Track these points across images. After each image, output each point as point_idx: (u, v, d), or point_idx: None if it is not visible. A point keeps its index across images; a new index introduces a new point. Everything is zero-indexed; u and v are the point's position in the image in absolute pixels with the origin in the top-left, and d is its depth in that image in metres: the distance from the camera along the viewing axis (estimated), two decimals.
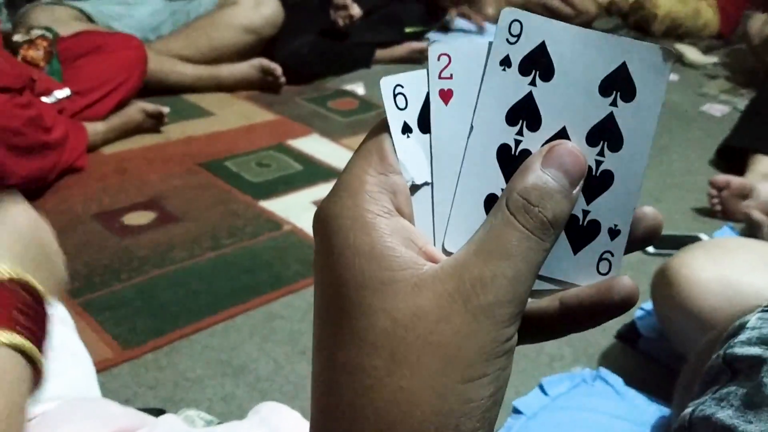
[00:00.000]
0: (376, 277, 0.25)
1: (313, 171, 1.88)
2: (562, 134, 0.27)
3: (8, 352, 0.45)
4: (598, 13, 3.58)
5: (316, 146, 2.04)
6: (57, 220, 1.56)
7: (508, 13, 0.27)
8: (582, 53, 0.26)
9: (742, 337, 0.54)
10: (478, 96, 0.27)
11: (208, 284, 1.38)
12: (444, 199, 0.27)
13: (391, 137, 0.27)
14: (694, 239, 1.55)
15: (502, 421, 1.02)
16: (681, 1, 3.46)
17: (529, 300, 0.26)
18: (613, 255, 0.27)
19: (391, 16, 2.86)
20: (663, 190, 1.91)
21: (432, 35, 3.03)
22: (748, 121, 2.06)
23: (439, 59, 0.27)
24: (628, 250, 0.28)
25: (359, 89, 2.51)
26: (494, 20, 3.37)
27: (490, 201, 0.27)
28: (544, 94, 0.27)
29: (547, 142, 0.27)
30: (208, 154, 1.94)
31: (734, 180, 1.72)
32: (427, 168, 0.27)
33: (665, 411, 1.02)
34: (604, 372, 1.10)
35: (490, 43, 0.27)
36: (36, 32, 1.94)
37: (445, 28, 3.10)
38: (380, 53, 2.80)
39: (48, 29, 1.98)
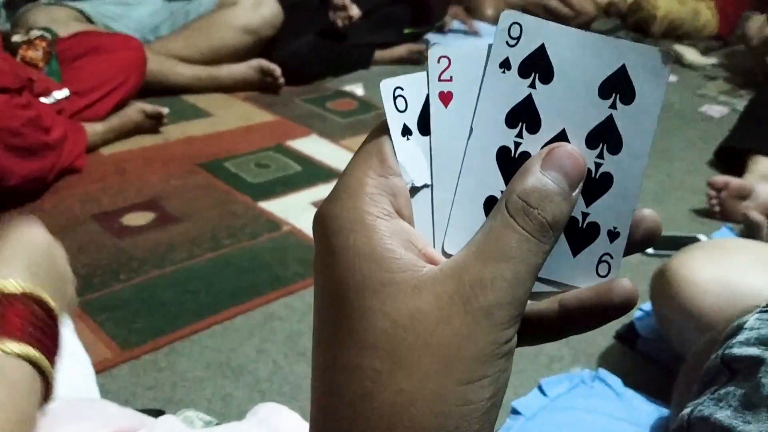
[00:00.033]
0: (375, 278, 0.25)
1: (312, 172, 1.88)
2: (562, 137, 0.27)
3: (21, 363, 0.46)
4: (597, 14, 3.58)
5: (316, 147, 2.04)
6: (56, 220, 1.55)
7: (508, 16, 0.27)
8: (581, 56, 0.27)
9: (741, 337, 0.54)
10: (477, 98, 0.27)
11: (207, 285, 1.38)
12: (444, 201, 0.27)
13: (390, 139, 0.27)
14: (693, 240, 1.55)
15: (501, 422, 1.02)
16: (680, 2, 3.46)
17: (529, 302, 0.26)
18: (612, 257, 0.28)
19: (390, 16, 2.86)
20: (662, 190, 1.91)
21: (431, 36, 3.03)
22: (747, 122, 2.06)
23: (438, 61, 0.27)
24: (627, 252, 0.28)
25: (358, 90, 2.51)
26: (493, 21, 3.37)
27: (490, 203, 0.27)
28: (543, 96, 0.27)
29: (546, 144, 0.27)
30: (208, 154, 1.94)
31: (733, 181, 1.73)
32: (427, 170, 0.27)
33: (664, 411, 1.02)
34: (603, 373, 1.10)
35: (490, 46, 0.27)
36: (35, 33, 1.94)
37: (444, 29, 3.10)
38: (379, 54, 2.80)
39: (47, 30, 1.98)
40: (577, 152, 0.26)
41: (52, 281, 0.52)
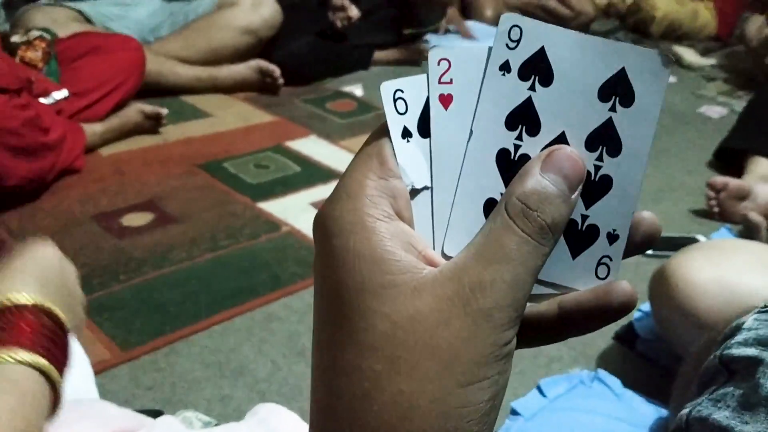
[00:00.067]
0: (375, 280, 0.25)
1: (311, 172, 1.88)
2: (561, 139, 0.27)
3: (31, 372, 0.47)
4: (596, 15, 3.58)
5: (315, 147, 2.04)
6: (55, 221, 1.55)
7: (508, 19, 0.27)
8: (581, 58, 0.27)
9: (739, 338, 0.54)
10: (477, 101, 0.27)
11: (206, 285, 1.38)
12: (443, 203, 0.28)
13: (391, 141, 0.27)
14: (692, 241, 1.55)
15: (500, 423, 1.02)
16: (679, 3, 3.47)
17: (528, 304, 0.26)
18: (611, 260, 0.28)
19: (389, 17, 2.86)
20: (661, 191, 1.91)
21: (430, 37, 3.03)
22: (746, 123, 2.06)
23: (439, 64, 0.27)
24: (626, 254, 0.28)
25: (357, 91, 2.51)
26: (492, 22, 3.37)
27: (490, 205, 0.27)
28: (543, 99, 0.27)
29: (546, 147, 0.27)
30: (207, 155, 1.94)
31: (732, 182, 1.73)
32: (427, 172, 0.28)
33: (663, 412, 1.02)
34: (602, 373, 1.11)
35: (490, 48, 0.27)
36: (34, 33, 1.94)
37: (442, 31, 3.10)
38: (378, 55, 2.80)
39: (46, 30, 1.98)
40: (576, 155, 0.27)
41: (63, 297, 0.54)
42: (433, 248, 0.28)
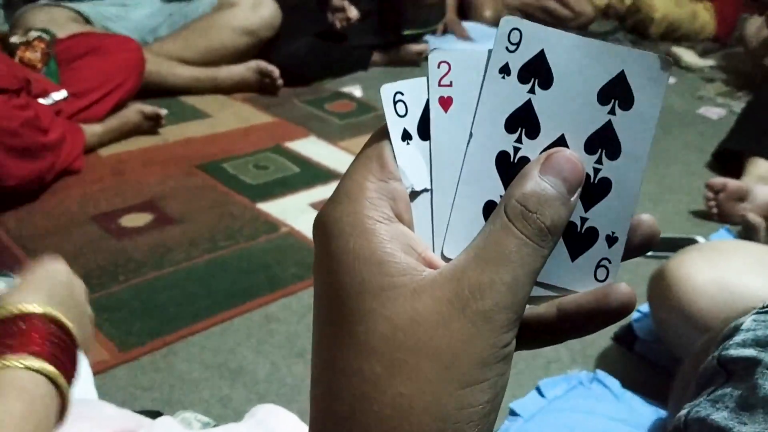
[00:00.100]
0: (375, 282, 0.25)
1: (310, 173, 1.89)
2: (561, 142, 0.27)
3: (39, 378, 0.47)
4: (596, 16, 3.59)
5: (314, 148, 2.04)
6: (54, 221, 1.55)
7: (508, 22, 0.27)
8: (580, 61, 0.27)
9: (737, 338, 0.54)
10: (477, 103, 0.27)
11: (205, 286, 1.38)
12: (443, 205, 0.28)
13: (391, 144, 0.27)
14: (691, 242, 1.55)
15: (499, 423, 1.02)
16: (678, 4, 3.47)
17: (527, 306, 0.26)
18: (610, 262, 0.28)
19: (388, 18, 2.86)
20: (660, 192, 1.92)
21: (430, 38, 3.03)
22: (745, 124, 2.07)
23: (439, 67, 0.27)
24: (625, 257, 0.28)
25: (356, 91, 2.51)
26: (491, 23, 3.35)
27: (489, 207, 0.27)
28: (542, 102, 0.27)
29: (545, 149, 0.27)
30: (206, 155, 1.94)
31: (731, 183, 1.73)
32: (427, 175, 0.28)
33: (662, 413, 1.02)
34: (601, 374, 1.11)
35: (490, 51, 0.27)
36: (33, 34, 1.94)
37: (441, 33, 3.10)
38: (377, 55, 2.80)
39: (45, 31, 1.98)
40: (575, 157, 0.27)
41: (71, 310, 0.56)
42: (433, 250, 0.28)
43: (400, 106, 0.27)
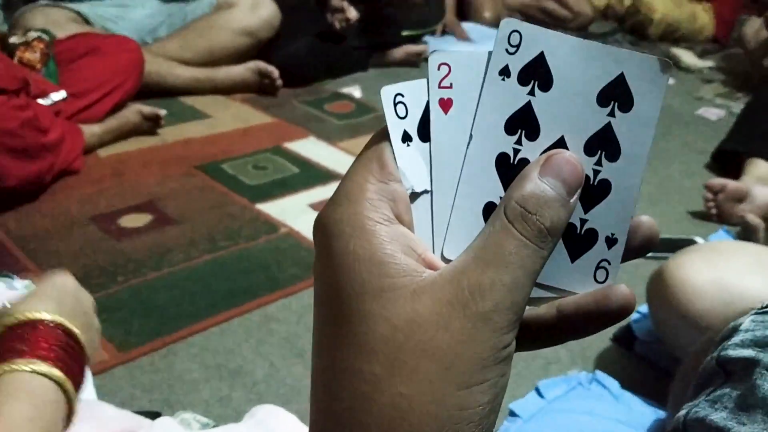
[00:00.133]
0: (375, 283, 0.25)
1: (309, 174, 1.89)
2: (560, 144, 0.27)
3: (48, 383, 0.48)
4: (595, 17, 3.59)
5: (313, 149, 2.04)
6: (53, 222, 1.55)
7: (508, 24, 0.27)
8: (580, 64, 0.27)
9: (736, 339, 0.54)
10: (477, 105, 0.27)
11: (204, 287, 1.38)
12: (443, 206, 0.28)
13: (391, 145, 0.27)
14: (690, 242, 1.55)
15: (499, 424, 1.02)
16: (677, 6, 3.47)
17: (527, 307, 0.26)
18: (610, 263, 0.28)
19: (387, 19, 2.86)
20: (659, 193, 1.92)
21: (429, 39, 3.03)
22: (744, 125, 2.07)
23: (439, 68, 0.27)
24: (625, 258, 0.28)
25: (356, 92, 2.51)
26: (490, 24, 3.35)
27: (489, 209, 0.27)
28: (542, 103, 0.27)
29: (545, 151, 0.27)
30: (205, 156, 1.94)
31: (730, 183, 1.73)
32: (427, 176, 0.28)
33: (661, 413, 1.02)
34: (601, 375, 1.11)
35: (490, 53, 0.27)
36: (32, 34, 1.94)
37: (440, 34, 3.11)
38: (377, 56, 2.80)
39: (44, 31, 1.98)
40: (575, 159, 0.27)
41: (79, 319, 0.57)
42: (433, 251, 0.28)
43: (401, 108, 0.27)
